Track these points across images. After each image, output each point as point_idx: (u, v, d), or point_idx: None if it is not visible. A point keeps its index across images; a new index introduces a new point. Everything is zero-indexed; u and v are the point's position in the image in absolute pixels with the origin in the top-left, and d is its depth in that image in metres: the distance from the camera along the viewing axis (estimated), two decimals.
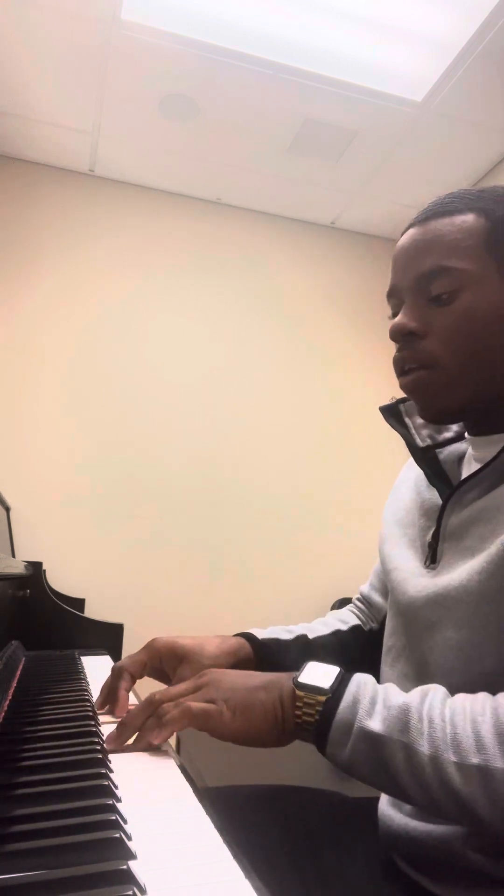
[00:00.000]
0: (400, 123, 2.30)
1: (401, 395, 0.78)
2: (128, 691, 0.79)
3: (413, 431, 0.78)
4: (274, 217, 2.93)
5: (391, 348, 0.73)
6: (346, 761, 0.56)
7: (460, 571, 0.65)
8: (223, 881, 0.37)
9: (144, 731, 0.63)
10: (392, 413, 0.79)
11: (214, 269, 2.81)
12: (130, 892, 0.34)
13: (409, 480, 0.85)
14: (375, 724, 0.55)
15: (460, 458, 0.78)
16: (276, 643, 0.86)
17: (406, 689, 0.73)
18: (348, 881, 0.71)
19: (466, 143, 2.40)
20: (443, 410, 0.70)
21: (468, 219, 0.67)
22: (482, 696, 0.56)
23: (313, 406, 2.83)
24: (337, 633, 0.93)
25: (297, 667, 0.86)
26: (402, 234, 0.73)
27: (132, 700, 0.81)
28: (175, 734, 0.69)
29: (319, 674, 0.60)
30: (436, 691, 0.58)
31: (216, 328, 2.77)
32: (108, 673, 0.84)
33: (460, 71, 2.05)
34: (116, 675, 0.79)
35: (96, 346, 2.60)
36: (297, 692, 0.59)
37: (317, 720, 0.57)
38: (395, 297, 0.72)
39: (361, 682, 0.59)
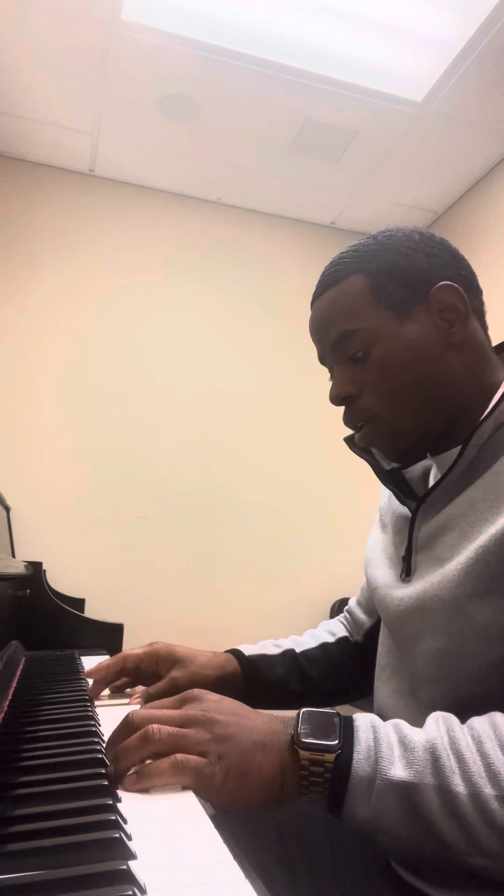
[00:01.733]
0: (400, 123, 2.30)
1: None
2: (110, 670, 0.86)
3: (378, 457, 0.83)
4: (274, 217, 2.93)
5: None
6: (369, 819, 0.51)
7: (432, 580, 0.66)
8: (223, 881, 0.37)
9: (125, 755, 0.53)
10: (354, 442, 0.83)
11: (214, 269, 2.81)
12: (130, 892, 0.34)
13: (388, 504, 0.88)
14: (400, 772, 0.50)
15: (425, 473, 0.82)
16: (262, 659, 0.90)
17: (399, 705, 0.74)
18: (345, 886, 0.71)
19: (466, 143, 2.40)
20: (401, 452, 0.76)
21: (351, 282, 0.74)
22: (500, 717, 0.53)
23: (313, 405, 2.82)
24: (324, 645, 0.96)
25: (284, 682, 0.90)
26: (311, 308, 0.80)
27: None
28: None
29: (318, 725, 0.53)
30: (447, 719, 0.55)
31: (216, 328, 2.77)
32: None
33: (460, 71, 2.05)
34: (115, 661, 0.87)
35: (96, 346, 2.60)
36: (301, 752, 0.52)
37: (328, 779, 0.51)
38: (325, 364, 0.80)
39: (368, 725, 0.54)
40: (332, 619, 1.06)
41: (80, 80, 2.18)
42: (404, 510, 0.79)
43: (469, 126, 2.31)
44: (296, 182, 2.68)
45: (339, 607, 2.62)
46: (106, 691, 0.90)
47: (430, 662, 0.66)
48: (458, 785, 0.49)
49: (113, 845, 0.40)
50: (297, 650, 0.94)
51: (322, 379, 2.92)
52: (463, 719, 0.56)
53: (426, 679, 0.67)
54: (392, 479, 0.82)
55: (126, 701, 0.86)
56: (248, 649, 0.92)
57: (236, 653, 0.91)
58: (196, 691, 0.58)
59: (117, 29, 1.96)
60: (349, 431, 0.82)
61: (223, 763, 0.51)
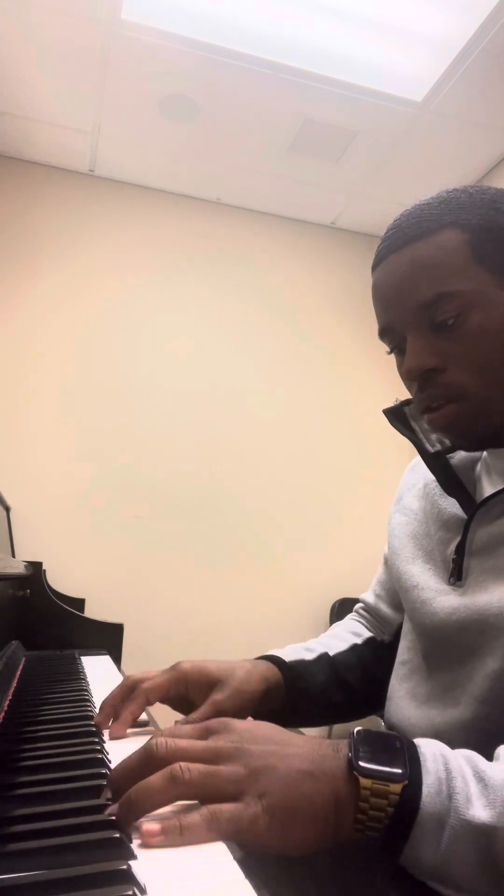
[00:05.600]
0: (400, 123, 2.30)
1: (404, 396, 0.75)
2: (134, 715, 0.67)
3: (421, 436, 0.74)
4: (274, 217, 2.93)
5: None
6: (434, 864, 0.43)
7: (497, 594, 0.62)
8: (224, 881, 0.37)
9: (145, 797, 0.43)
10: (397, 416, 0.75)
11: (214, 269, 2.81)
12: (130, 892, 0.34)
13: (415, 488, 0.82)
14: (480, 812, 0.42)
15: (474, 463, 0.74)
16: (302, 665, 0.80)
17: (411, 709, 0.70)
18: (350, 882, 0.71)
19: (466, 143, 2.40)
20: (480, 438, 0.67)
21: (447, 236, 0.64)
22: None
23: (314, 405, 2.83)
24: (355, 647, 0.87)
25: (327, 691, 0.80)
26: (377, 267, 0.68)
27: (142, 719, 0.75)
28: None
29: (379, 748, 0.45)
30: None
31: (216, 328, 2.77)
32: (108, 673, 0.83)
33: (460, 71, 2.05)
34: (126, 689, 0.70)
35: (96, 346, 2.60)
36: (363, 780, 0.43)
37: (390, 814, 0.43)
38: (391, 335, 0.68)
39: (437, 753, 0.46)
40: (346, 620, 0.94)
41: (80, 80, 2.18)
42: (451, 503, 0.72)
43: (469, 126, 2.31)
44: (296, 182, 2.68)
45: (339, 607, 2.62)
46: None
47: (483, 681, 0.62)
48: None
49: (113, 845, 0.39)
50: (331, 653, 0.83)
51: (324, 378, 2.89)
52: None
53: (473, 696, 0.63)
54: (437, 464, 0.73)
55: (149, 736, 0.68)
56: (284, 654, 0.80)
57: (275, 659, 0.78)
58: (221, 720, 0.49)
59: (117, 29, 1.96)
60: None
61: (265, 801, 0.42)
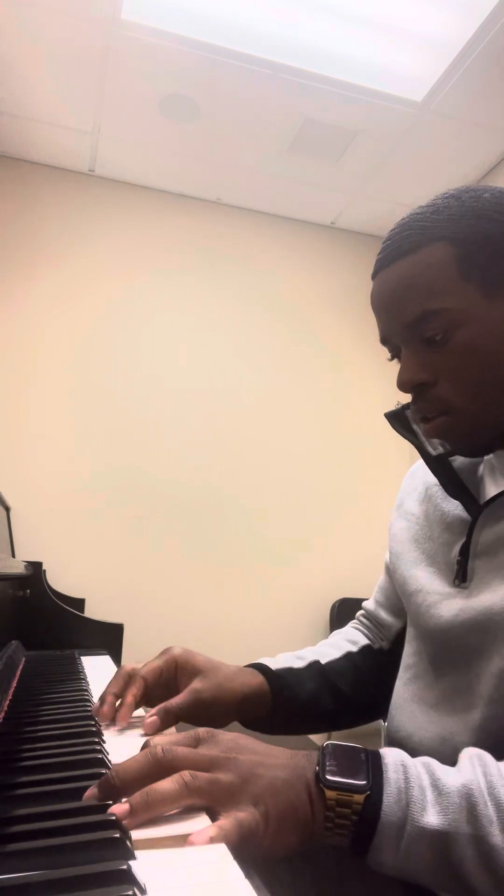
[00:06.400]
0: (400, 123, 2.30)
1: (404, 398, 0.77)
2: (137, 698, 0.71)
3: (423, 439, 0.74)
4: (274, 217, 2.93)
5: None
6: (395, 865, 0.47)
7: (501, 593, 0.62)
8: (223, 881, 0.37)
9: (162, 800, 0.45)
10: (398, 419, 0.75)
11: (214, 269, 2.81)
12: (130, 892, 0.34)
13: (415, 492, 0.82)
14: (433, 819, 0.46)
15: (476, 465, 0.74)
16: (290, 673, 0.81)
17: (417, 714, 0.70)
18: (348, 882, 0.71)
19: (466, 143, 2.40)
20: (475, 447, 0.68)
21: (434, 251, 0.64)
22: None
23: (314, 405, 2.83)
24: (348, 655, 0.87)
25: (316, 699, 0.81)
26: (374, 278, 0.70)
27: (139, 712, 0.76)
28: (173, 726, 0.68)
29: (344, 762, 0.49)
30: (482, 759, 0.51)
31: (216, 328, 2.77)
32: (108, 673, 0.83)
33: (460, 71, 2.05)
34: (125, 677, 0.73)
35: (96, 347, 2.60)
36: (328, 792, 0.47)
37: (355, 821, 0.47)
38: (390, 343, 0.70)
39: (398, 763, 0.50)
40: (346, 628, 0.95)
41: (80, 80, 2.18)
42: (455, 505, 0.72)
43: (469, 126, 2.31)
44: (296, 182, 2.68)
45: (339, 607, 2.62)
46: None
47: (492, 682, 0.62)
48: (496, 836, 0.45)
49: (113, 845, 0.39)
50: (322, 661, 0.84)
51: (324, 378, 2.89)
52: None
53: (482, 698, 0.63)
54: (440, 467, 0.73)
55: (139, 730, 0.71)
56: (272, 662, 0.81)
57: (261, 667, 0.79)
58: (207, 729, 0.52)
59: (117, 29, 1.96)
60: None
61: (260, 808, 0.46)
